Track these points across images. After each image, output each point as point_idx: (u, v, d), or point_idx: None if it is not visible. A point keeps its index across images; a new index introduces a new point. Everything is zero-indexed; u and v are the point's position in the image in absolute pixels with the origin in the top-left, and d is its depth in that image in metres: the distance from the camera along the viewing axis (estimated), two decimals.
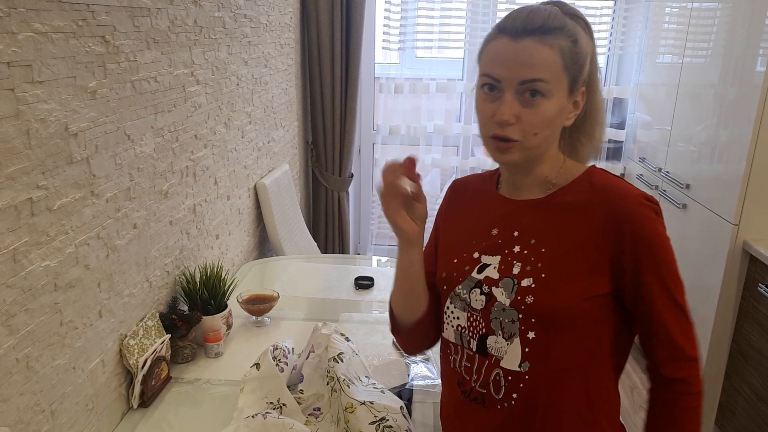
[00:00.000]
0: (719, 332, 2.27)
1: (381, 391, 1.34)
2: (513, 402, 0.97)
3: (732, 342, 2.26)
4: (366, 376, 1.40)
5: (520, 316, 0.93)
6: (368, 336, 1.69)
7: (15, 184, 0.99)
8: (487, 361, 0.99)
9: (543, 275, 0.92)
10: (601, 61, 3.41)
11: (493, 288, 0.97)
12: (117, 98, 1.27)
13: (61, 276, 1.12)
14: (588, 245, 0.92)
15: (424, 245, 1.08)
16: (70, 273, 1.15)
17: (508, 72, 0.89)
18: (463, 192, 1.13)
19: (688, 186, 2.51)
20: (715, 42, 2.37)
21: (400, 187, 0.97)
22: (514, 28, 0.89)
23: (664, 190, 2.73)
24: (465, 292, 1.00)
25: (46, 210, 1.07)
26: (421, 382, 1.48)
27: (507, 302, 0.94)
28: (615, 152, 3.40)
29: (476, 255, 1.01)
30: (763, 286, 2.03)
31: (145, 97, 1.40)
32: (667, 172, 2.71)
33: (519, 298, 0.93)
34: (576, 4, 3.26)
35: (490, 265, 0.99)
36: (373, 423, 1.23)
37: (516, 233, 0.98)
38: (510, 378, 0.96)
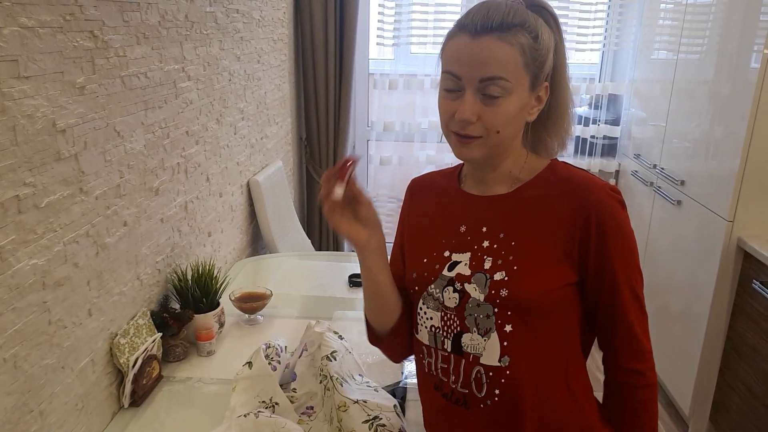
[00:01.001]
0: (713, 329, 2.27)
1: (374, 390, 1.33)
2: (496, 398, 0.96)
3: (726, 338, 2.26)
4: (359, 375, 1.39)
5: (496, 310, 0.93)
6: (362, 334, 1.67)
7: (1, 181, 0.97)
8: (464, 360, 0.98)
9: (515, 267, 0.93)
10: (596, 57, 3.41)
11: (466, 284, 0.96)
12: (106, 94, 1.25)
13: (49, 274, 1.10)
14: (557, 235, 0.93)
15: (390, 248, 1.08)
16: (59, 271, 1.13)
17: (467, 70, 0.89)
18: (424, 191, 1.11)
19: (682, 182, 2.51)
20: (710, 38, 2.36)
21: (333, 194, 0.91)
22: (473, 26, 0.88)
23: (659, 187, 2.73)
24: (438, 291, 0.99)
25: (34, 207, 1.05)
26: (414, 380, 1.47)
27: (481, 297, 0.94)
28: (610, 149, 3.40)
29: (446, 253, 1.01)
30: (758, 283, 2.03)
31: (135, 92, 1.38)
32: (662, 168, 2.71)
33: (493, 292, 0.93)
34: (571, 0, 3.24)
35: (461, 262, 0.98)
36: (366, 422, 1.22)
37: (484, 229, 0.98)
38: (491, 374, 0.96)
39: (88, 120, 1.20)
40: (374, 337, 1.13)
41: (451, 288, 0.98)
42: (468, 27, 0.89)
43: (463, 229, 1.00)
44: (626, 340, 0.97)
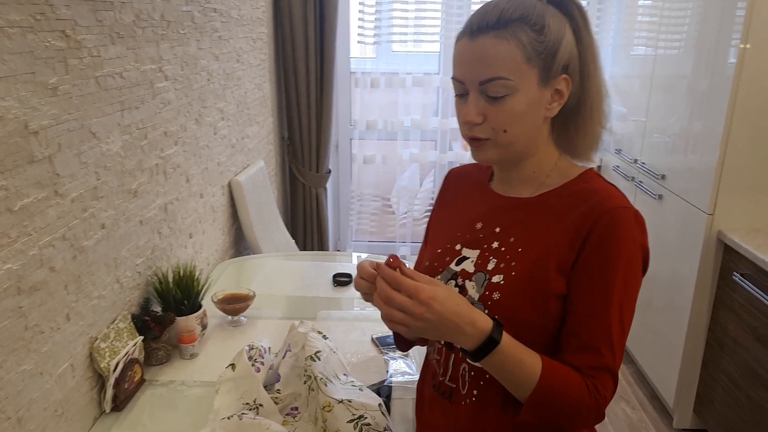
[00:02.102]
0: (696, 321, 2.29)
1: (359, 389, 1.33)
2: (474, 399, 0.96)
3: (708, 331, 2.28)
4: (344, 374, 1.39)
5: (486, 311, 0.91)
6: (347, 333, 1.67)
7: None
8: (454, 355, 0.99)
9: (513, 273, 0.91)
10: None
11: (467, 281, 0.96)
12: (80, 95, 1.23)
13: (24, 279, 1.08)
14: (560, 246, 0.89)
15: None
16: (35, 276, 1.11)
17: (468, 73, 0.88)
18: (456, 182, 1.12)
19: (663, 177, 2.53)
20: (688, 34, 2.39)
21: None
22: (471, 27, 0.88)
23: (641, 182, 2.75)
24: (442, 282, 0.99)
25: (6, 211, 1.03)
26: (400, 379, 1.47)
27: (476, 296, 0.94)
28: None
29: (458, 247, 1.00)
30: (738, 275, 2.06)
31: (110, 93, 1.36)
32: (643, 163, 2.73)
33: (487, 293, 0.92)
34: None
35: (469, 258, 0.98)
36: (351, 421, 1.21)
37: (498, 229, 0.97)
38: (473, 373, 0.96)
39: (62, 121, 1.17)
40: (404, 344, 1.15)
41: (453, 282, 0.97)
42: (467, 29, 0.89)
43: (479, 226, 1.00)
44: (588, 355, 0.88)
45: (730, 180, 2.14)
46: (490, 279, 0.93)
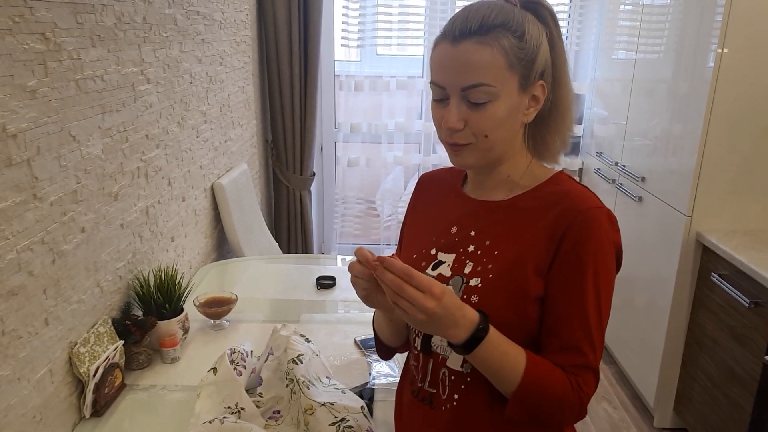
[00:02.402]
0: (675, 321, 2.32)
1: (342, 392, 1.33)
2: (455, 403, 0.96)
3: (687, 330, 2.32)
4: (327, 377, 1.39)
5: None
6: (330, 336, 1.67)
7: None
8: (433, 360, 0.99)
9: (490, 276, 0.92)
10: None
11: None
12: (60, 98, 1.22)
13: (1, 284, 1.07)
14: (536, 248, 0.90)
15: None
16: (12, 280, 1.10)
17: (449, 79, 0.88)
18: (430, 186, 1.12)
19: (643, 179, 2.56)
20: (668, 39, 2.42)
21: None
22: (452, 32, 0.87)
23: (621, 184, 2.78)
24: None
25: None
26: (382, 381, 1.47)
27: None
28: (573, 147, 3.45)
29: (433, 251, 1.01)
30: (716, 276, 2.09)
31: (91, 96, 1.35)
32: (624, 166, 2.77)
33: (465, 296, 0.92)
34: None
35: (445, 262, 0.98)
36: (333, 424, 1.21)
37: (473, 233, 0.98)
38: (453, 378, 0.96)
39: (41, 124, 1.16)
40: (386, 353, 1.14)
41: None
42: (448, 34, 0.88)
43: (453, 230, 1.00)
44: (569, 354, 0.89)
45: (708, 182, 2.18)
46: (467, 282, 0.93)
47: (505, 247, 0.93)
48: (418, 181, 1.15)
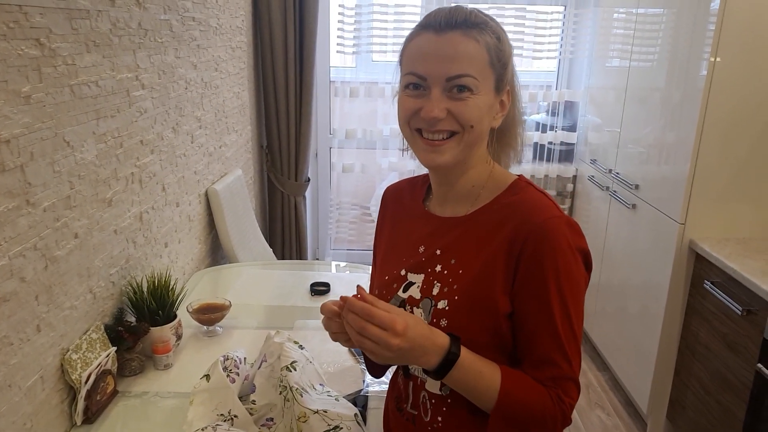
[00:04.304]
0: (669, 328, 2.33)
1: (335, 399, 1.32)
2: (440, 425, 0.96)
3: (681, 338, 2.32)
4: (320, 384, 1.38)
5: None
6: (323, 343, 1.67)
7: None
8: (412, 383, 0.98)
9: (456, 297, 0.90)
10: (553, 64, 3.48)
11: (414, 308, 0.95)
12: (54, 103, 1.22)
13: None
14: (497, 265, 0.88)
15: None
16: (4, 286, 1.09)
17: (433, 68, 0.85)
18: (395, 201, 1.11)
19: (637, 186, 2.58)
20: (661, 47, 2.44)
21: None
22: (437, 23, 0.86)
23: (615, 191, 2.79)
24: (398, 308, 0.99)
25: None
26: (376, 388, 1.47)
27: None
28: (567, 154, 3.47)
29: (403, 272, 0.99)
30: (709, 283, 2.10)
31: (85, 102, 1.35)
32: (617, 173, 2.78)
33: (435, 320, 0.91)
34: (527, 8, 3.31)
35: (415, 284, 0.97)
36: (326, 431, 1.21)
37: (438, 251, 0.96)
38: (434, 401, 0.96)
39: (35, 130, 1.16)
40: (377, 371, 1.15)
41: (402, 310, 0.97)
42: (431, 25, 0.87)
43: (421, 249, 0.98)
44: (545, 368, 0.88)
45: (701, 190, 2.19)
46: (435, 305, 0.92)
47: (468, 266, 0.91)
48: (383, 196, 1.13)
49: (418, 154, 0.91)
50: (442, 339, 0.84)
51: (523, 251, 0.86)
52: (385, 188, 1.14)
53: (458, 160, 0.90)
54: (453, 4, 0.91)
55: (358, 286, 0.87)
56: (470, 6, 0.91)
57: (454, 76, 0.85)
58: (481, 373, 0.86)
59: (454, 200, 0.97)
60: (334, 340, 0.91)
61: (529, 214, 0.88)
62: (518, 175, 0.97)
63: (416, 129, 0.89)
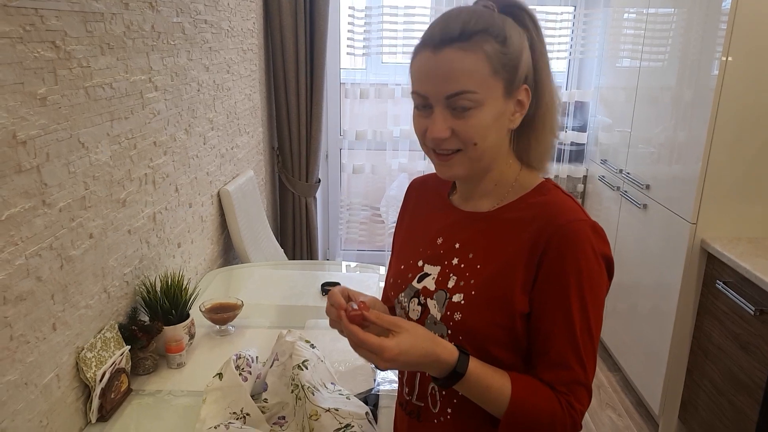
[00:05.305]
0: (680, 329, 2.32)
1: (347, 398, 1.33)
2: (449, 416, 0.96)
3: (693, 338, 2.31)
4: (332, 383, 1.39)
5: (449, 332, 0.91)
6: (334, 342, 1.68)
7: None
8: (420, 375, 0.98)
9: (473, 292, 0.90)
10: (563, 65, 3.47)
11: (428, 300, 0.95)
12: (69, 105, 1.24)
13: (10, 289, 1.08)
14: (518, 263, 0.88)
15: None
16: (21, 285, 1.11)
17: (432, 87, 0.85)
18: (420, 193, 1.11)
19: (648, 186, 2.57)
20: (672, 47, 2.43)
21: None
22: (433, 40, 0.85)
23: (626, 191, 2.78)
24: (406, 300, 0.99)
25: None
26: (387, 387, 1.48)
27: (438, 316, 0.93)
28: (577, 154, 3.46)
29: (420, 263, 0.99)
30: (721, 283, 2.09)
31: (99, 103, 1.37)
32: (628, 173, 2.77)
33: (449, 313, 0.91)
34: (537, 9, 3.31)
35: (430, 275, 0.97)
36: (338, 430, 1.22)
37: (457, 245, 0.95)
38: (444, 393, 0.95)
39: (51, 131, 1.18)
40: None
41: (416, 300, 0.97)
42: (429, 41, 0.85)
43: (439, 241, 0.98)
44: (558, 371, 0.88)
45: (712, 189, 2.18)
46: (450, 298, 0.92)
47: (487, 261, 0.91)
48: (408, 187, 1.13)
49: (434, 167, 0.93)
50: (448, 355, 0.83)
51: (546, 251, 0.86)
52: (411, 180, 1.15)
53: (470, 171, 0.91)
54: (454, 8, 0.89)
55: (360, 302, 0.86)
56: (475, 6, 0.88)
57: (452, 94, 0.84)
58: (488, 388, 0.85)
59: (479, 196, 0.97)
60: (332, 326, 0.91)
61: (554, 215, 0.88)
62: (545, 178, 0.97)
63: (431, 149, 0.91)
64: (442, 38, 0.84)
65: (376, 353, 0.80)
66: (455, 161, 0.89)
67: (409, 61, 0.91)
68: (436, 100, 0.86)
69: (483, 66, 0.84)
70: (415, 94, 0.89)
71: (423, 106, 0.88)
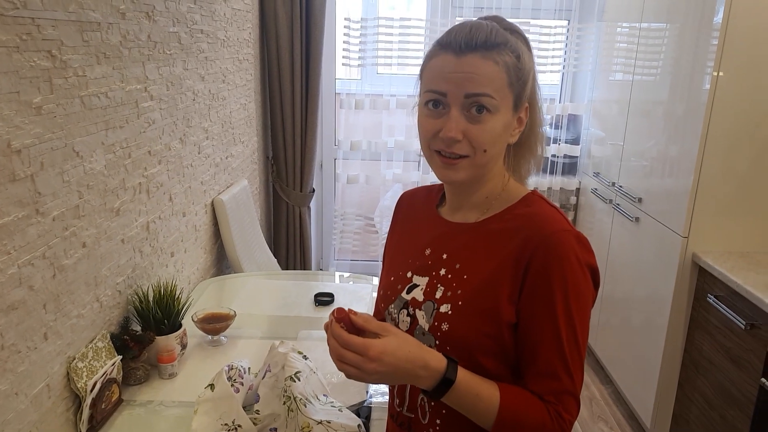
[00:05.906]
0: (672, 342, 2.32)
1: (339, 410, 1.33)
2: (438, 427, 0.96)
3: (684, 351, 2.32)
4: (324, 395, 1.39)
5: (437, 342, 0.92)
6: (327, 353, 1.67)
7: None
8: (409, 385, 0.98)
9: (460, 303, 0.91)
10: (556, 78, 3.50)
11: (417, 310, 0.96)
12: (64, 114, 1.24)
13: (2, 298, 1.07)
14: (504, 274, 0.89)
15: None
16: (12, 294, 1.10)
17: (453, 86, 0.86)
18: (409, 206, 1.12)
19: (640, 200, 2.58)
20: (664, 61, 2.46)
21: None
22: (457, 44, 0.87)
23: (618, 204, 2.80)
24: (395, 311, 0.99)
25: None
26: (379, 399, 1.47)
27: (426, 327, 0.93)
28: (570, 167, 3.48)
29: (409, 274, 1.00)
30: (712, 297, 2.10)
31: (95, 112, 1.37)
32: (621, 186, 2.79)
33: (436, 324, 0.92)
34: (531, 23, 3.34)
35: (419, 286, 0.98)
36: None
37: (445, 256, 0.97)
38: (433, 404, 0.96)
39: (46, 140, 1.18)
40: None
41: (405, 311, 0.98)
42: (451, 45, 0.87)
43: (428, 252, 0.99)
44: (546, 381, 0.88)
45: (704, 203, 2.19)
46: (438, 309, 0.92)
47: (473, 272, 0.92)
48: (398, 200, 1.15)
49: (435, 170, 0.93)
50: (437, 362, 0.84)
51: (532, 262, 0.87)
52: (401, 194, 1.16)
53: (473, 177, 0.92)
54: (474, 20, 0.91)
55: (349, 309, 0.87)
56: (489, 22, 0.90)
57: (473, 93, 0.86)
58: (478, 396, 0.85)
59: (467, 208, 0.98)
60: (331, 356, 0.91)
61: (539, 225, 0.89)
62: (531, 189, 0.99)
63: (435, 150, 0.91)
64: (467, 44, 0.86)
65: (361, 353, 0.81)
66: (460, 166, 0.90)
67: (422, 62, 0.93)
68: (454, 98, 0.87)
69: (502, 76, 0.87)
70: (431, 92, 0.89)
71: (437, 105, 0.89)
